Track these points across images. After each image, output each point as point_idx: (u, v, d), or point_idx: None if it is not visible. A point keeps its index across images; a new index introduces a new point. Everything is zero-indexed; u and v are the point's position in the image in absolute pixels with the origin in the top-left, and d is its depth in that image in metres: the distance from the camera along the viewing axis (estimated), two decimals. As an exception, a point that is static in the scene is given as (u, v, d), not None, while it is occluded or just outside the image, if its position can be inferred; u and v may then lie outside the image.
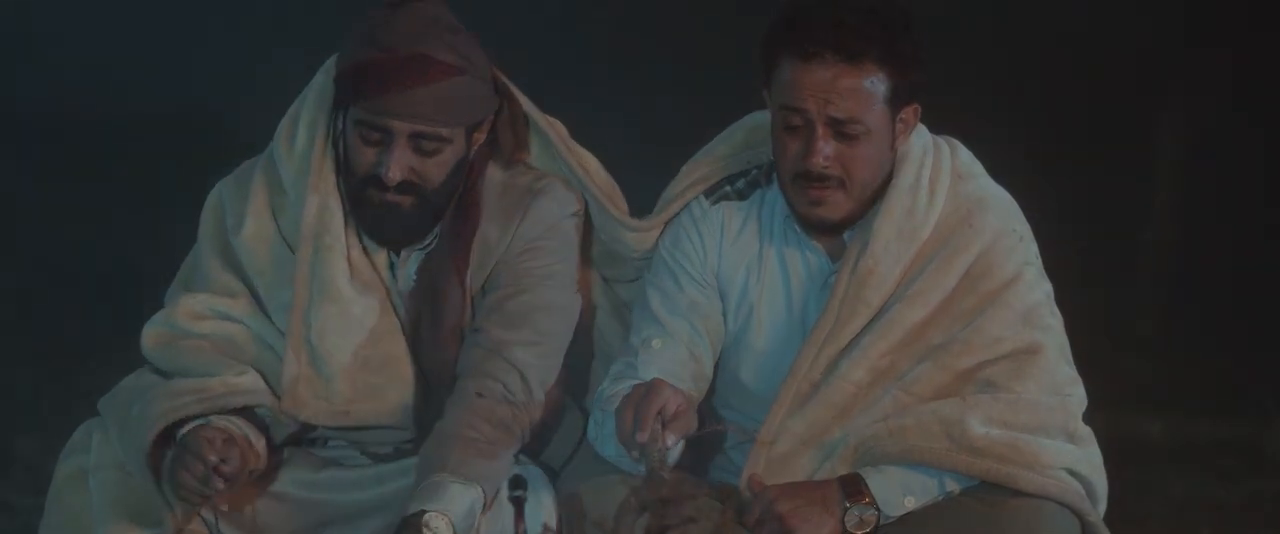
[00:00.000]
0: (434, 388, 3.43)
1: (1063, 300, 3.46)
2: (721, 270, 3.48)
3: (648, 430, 3.08)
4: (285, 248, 3.45)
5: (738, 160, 3.52)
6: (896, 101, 3.31)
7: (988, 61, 6.72)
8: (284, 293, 3.43)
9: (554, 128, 3.55)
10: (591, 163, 3.56)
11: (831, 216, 3.36)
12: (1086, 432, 3.39)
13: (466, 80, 3.32)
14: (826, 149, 3.29)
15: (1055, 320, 3.41)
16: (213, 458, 3.25)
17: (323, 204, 3.41)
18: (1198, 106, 6.93)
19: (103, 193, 6.97)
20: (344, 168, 3.41)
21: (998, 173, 3.52)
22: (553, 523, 3.31)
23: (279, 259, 3.44)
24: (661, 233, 3.54)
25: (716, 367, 3.49)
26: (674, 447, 3.13)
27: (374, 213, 3.38)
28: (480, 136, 3.42)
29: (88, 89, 6.96)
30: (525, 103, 3.52)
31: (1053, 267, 3.49)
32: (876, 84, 3.28)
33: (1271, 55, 6.67)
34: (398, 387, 3.42)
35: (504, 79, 3.48)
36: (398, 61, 3.28)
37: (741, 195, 3.48)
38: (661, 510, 3.21)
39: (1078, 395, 3.39)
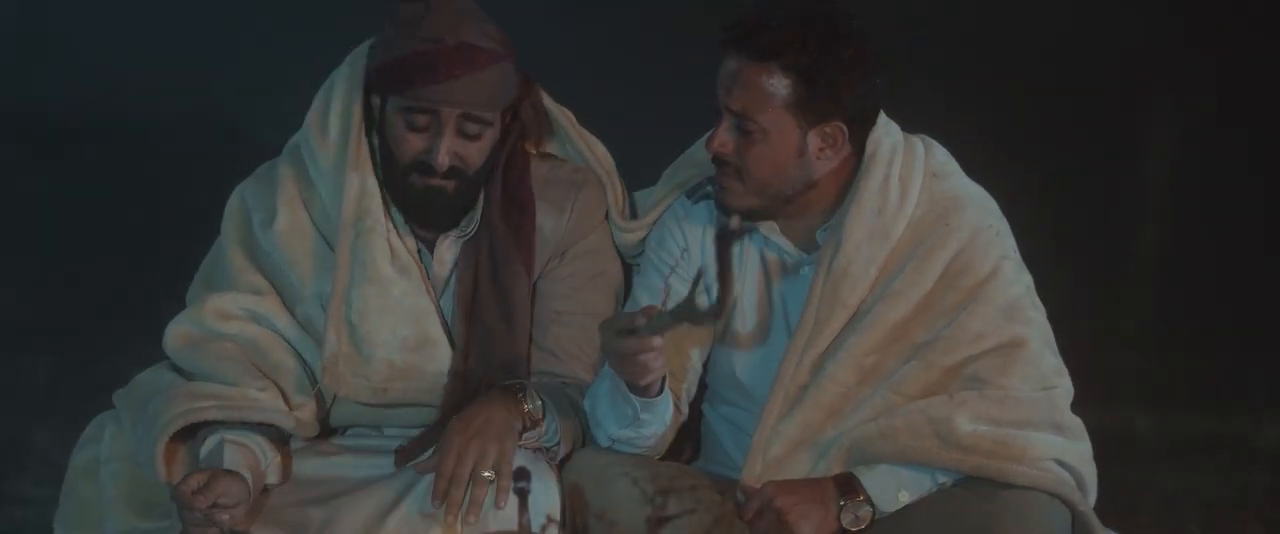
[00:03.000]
0: (483, 378, 3.51)
1: (1054, 297, 3.49)
2: (705, 266, 3.45)
3: (640, 317, 3.14)
4: (320, 237, 3.52)
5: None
6: (808, 114, 3.32)
7: (979, 62, 6.73)
8: (320, 282, 3.49)
9: (564, 115, 3.64)
10: (599, 148, 3.64)
11: (733, 204, 3.39)
12: (1075, 422, 3.40)
13: (505, 66, 3.43)
14: (723, 137, 3.35)
15: (1037, 313, 3.43)
16: (201, 506, 3.27)
17: (362, 188, 3.48)
18: (1188, 106, 6.94)
19: (117, 191, 6.99)
20: (384, 155, 3.48)
21: (989, 172, 3.54)
22: (556, 514, 3.33)
23: (314, 249, 3.51)
24: (647, 232, 3.59)
25: (707, 363, 3.53)
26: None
27: (419, 198, 3.46)
28: (509, 118, 3.51)
29: (103, 90, 6.98)
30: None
31: (1044, 264, 3.52)
32: (778, 88, 3.30)
33: (1260, 55, 6.68)
34: (434, 366, 3.49)
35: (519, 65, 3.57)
36: (446, 51, 3.37)
37: None
38: (663, 501, 3.27)
39: (1064, 386, 3.41)
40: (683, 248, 3.52)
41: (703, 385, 3.55)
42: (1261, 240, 6.74)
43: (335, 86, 3.52)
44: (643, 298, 3.51)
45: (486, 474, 3.34)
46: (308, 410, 3.49)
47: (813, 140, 3.35)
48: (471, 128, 3.42)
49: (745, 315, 3.48)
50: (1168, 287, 6.93)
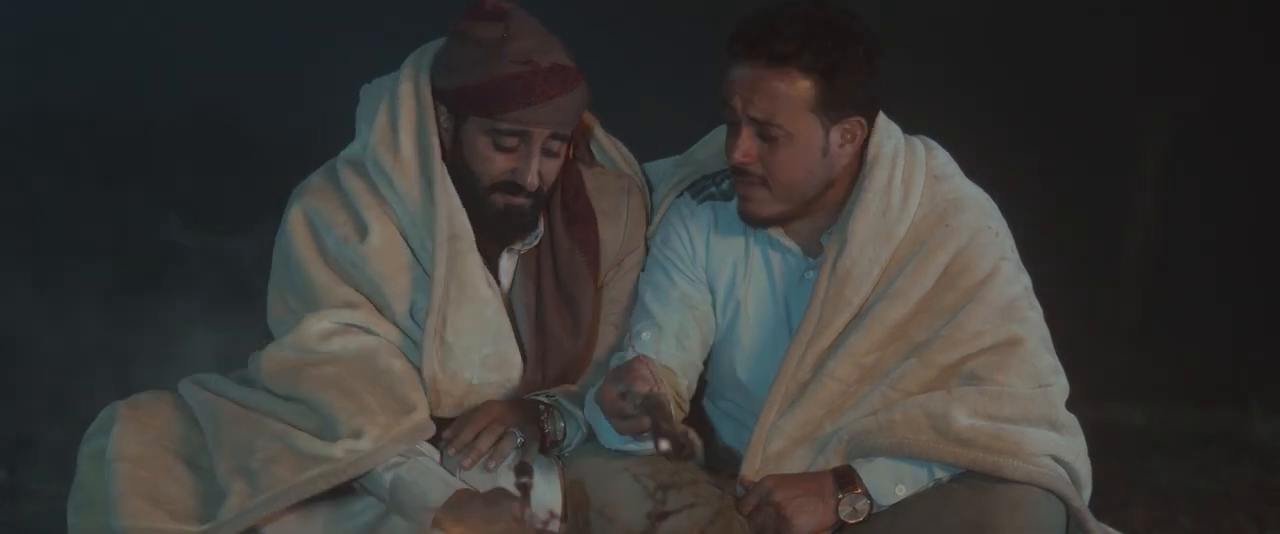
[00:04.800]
0: (541, 385, 3.54)
1: (1049, 293, 3.52)
2: (709, 265, 3.54)
3: (627, 385, 3.11)
4: (409, 252, 3.51)
5: (715, 163, 3.60)
6: (829, 112, 3.35)
7: (980, 62, 6.75)
8: (416, 296, 3.48)
9: (594, 123, 3.68)
10: (626, 152, 3.69)
11: (758, 212, 3.42)
12: (1070, 420, 3.44)
13: (586, 85, 3.46)
14: (747, 146, 3.36)
15: (1035, 313, 3.47)
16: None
17: (451, 208, 3.48)
18: (1183, 106, 6.94)
19: (125, 189, 7.01)
20: (455, 172, 3.48)
21: (987, 170, 3.57)
22: (558, 508, 3.37)
23: (408, 264, 3.50)
24: (653, 226, 3.62)
25: (709, 360, 3.56)
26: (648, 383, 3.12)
27: (500, 215, 3.48)
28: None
29: (110, 90, 6.99)
30: None
31: (1039, 260, 3.55)
32: (800, 90, 3.33)
33: (1252, 58, 6.70)
34: (508, 381, 3.52)
35: None
36: (541, 73, 3.39)
37: (726, 196, 3.55)
38: (663, 496, 3.29)
39: (1059, 384, 3.44)
40: (688, 247, 3.55)
41: (702, 381, 3.59)
42: (1252, 239, 6.76)
43: (398, 103, 3.51)
44: (647, 297, 3.54)
45: (517, 435, 3.39)
46: (423, 411, 3.45)
47: (834, 137, 3.39)
48: (554, 145, 3.45)
49: (749, 316, 3.51)
50: (1159, 285, 6.94)
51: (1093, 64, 6.84)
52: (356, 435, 3.37)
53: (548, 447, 3.46)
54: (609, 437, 3.41)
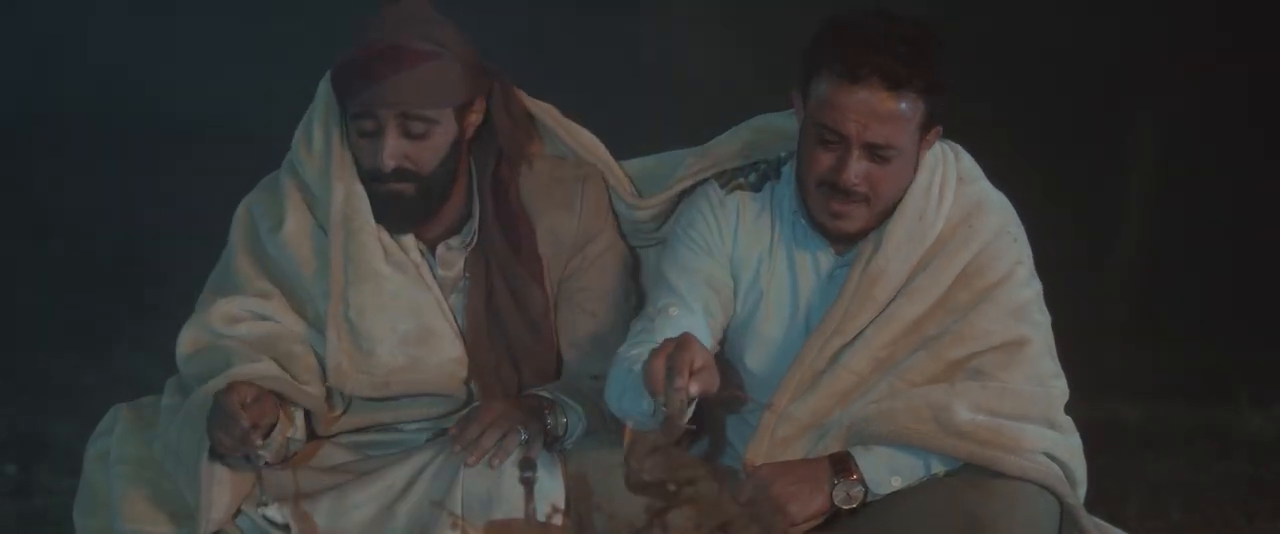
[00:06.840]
0: (519, 384, 3.59)
1: (1043, 292, 3.54)
2: (735, 255, 3.55)
3: (685, 377, 3.06)
4: (324, 238, 3.55)
5: (735, 160, 3.61)
6: (926, 126, 3.38)
7: (977, 63, 6.79)
8: (328, 281, 3.52)
9: (548, 112, 3.67)
10: (587, 137, 3.68)
11: (850, 229, 3.43)
12: (1067, 422, 3.47)
13: (441, 64, 3.45)
14: (859, 169, 3.35)
15: (1043, 318, 3.49)
16: (246, 420, 3.34)
17: (348, 191, 3.52)
18: (1175, 106, 6.97)
19: (134, 190, 7.04)
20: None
21: (982, 169, 3.58)
22: (561, 503, 3.39)
23: (320, 249, 3.55)
24: (675, 213, 3.63)
25: (722, 346, 3.56)
26: (693, 400, 3.12)
27: (379, 203, 3.52)
28: (474, 118, 3.54)
29: (119, 91, 7.04)
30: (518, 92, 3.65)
31: (1033, 258, 3.55)
32: (914, 111, 3.33)
33: (1246, 61, 6.73)
34: (437, 358, 3.54)
35: (495, 67, 3.59)
36: (375, 54, 3.41)
37: (754, 188, 3.55)
38: (661, 491, 3.38)
39: (1060, 388, 3.47)
40: (716, 233, 3.55)
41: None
42: (1243, 237, 6.79)
43: (316, 103, 3.58)
44: (672, 275, 3.53)
45: (521, 432, 3.44)
46: (318, 386, 3.52)
47: (922, 148, 3.42)
48: (416, 127, 3.46)
49: (770, 309, 3.53)
50: (1153, 283, 6.96)
51: (1085, 64, 6.87)
52: (252, 363, 3.45)
53: (550, 442, 3.50)
54: (621, 403, 3.38)
